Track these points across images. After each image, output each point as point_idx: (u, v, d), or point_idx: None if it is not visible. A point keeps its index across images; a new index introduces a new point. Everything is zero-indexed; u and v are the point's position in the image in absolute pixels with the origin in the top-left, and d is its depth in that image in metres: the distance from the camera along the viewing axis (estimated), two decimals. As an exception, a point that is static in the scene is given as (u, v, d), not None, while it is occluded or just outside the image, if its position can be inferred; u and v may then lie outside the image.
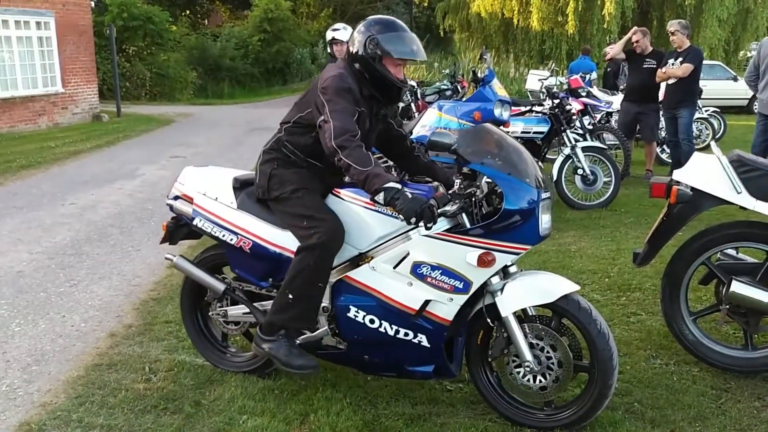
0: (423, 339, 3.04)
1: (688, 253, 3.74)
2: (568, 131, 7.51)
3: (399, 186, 2.82)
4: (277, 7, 29.46)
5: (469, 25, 24.89)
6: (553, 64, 12.87)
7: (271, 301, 3.36)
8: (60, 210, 7.74)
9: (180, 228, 3.74)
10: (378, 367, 3.35)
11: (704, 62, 8.81)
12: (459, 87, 12.75)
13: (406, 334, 3.05)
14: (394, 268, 3.01)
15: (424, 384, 3.54)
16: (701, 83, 9.00)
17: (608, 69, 14.12)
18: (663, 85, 8.70)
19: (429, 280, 2.96)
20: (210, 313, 3.76)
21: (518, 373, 3.08)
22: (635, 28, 9.06)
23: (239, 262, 3.49)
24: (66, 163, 11.18)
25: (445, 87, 12.92)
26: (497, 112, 6.63)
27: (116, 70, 18.73)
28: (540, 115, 7.62)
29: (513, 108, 7.34)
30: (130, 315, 4.66)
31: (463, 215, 2.91)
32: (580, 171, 7.50)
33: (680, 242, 3.84)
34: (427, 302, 2.98)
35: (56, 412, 3.37)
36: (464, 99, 7.27)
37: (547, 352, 3.03)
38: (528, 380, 3.07)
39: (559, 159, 7.54)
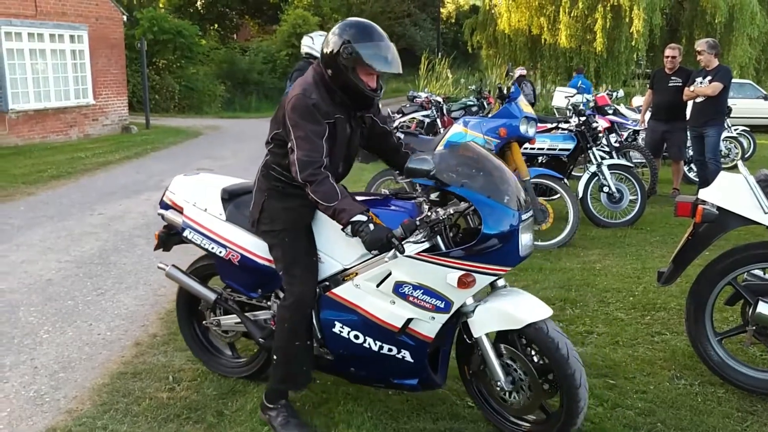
0: (406, 354, 3.07)
1: (714, 273, 3.71)
2: (594, 149, 7.48)
3: (364, 218, 2.84)
4: (305, 21, 29.75)
5: (496, 41, 24.92)
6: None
7: (261, 311, 3.49)
8: (89, 220, 7.87)
9: (172, 236, 3.79)
10: (364, 379, 3.38)
11: (734, 80, 8.77)
12: (485, 103, 12.80)
13: (390, 350, 3.08)
14: (377, 286, 3.02)
15: (445, 399, 3.55)
16: (730, 102, 8.94)
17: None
18: (690, 104, 8.65)
19: (411, 299, 2.96)
20: (204, 322, 3.83)
21: (496, 387, 3.10)
22: (671, 45, 9.05)
23: (229, 274, 3.54)
24: (95, 173, 11.36)
25: (471, 103, 12.98)
26: (523, 128, 6.61)
27: (146, 83, 19.02)
28: (566, 132, 7.60)
29: (539, 125, 7.32)
30: (155, 324, 4.72)
31: (438, 238, 2.90)
32: (606, 189, 7.46)
33: (706, 262, 3.82)
34: (409, 320, 3.00)
35: (81, 418, 3.42)
36: (490, 115, 7.27)
37: (518, 373, 3.05)
38: (504, 395, 3.11)
39: (585, 176, 7.51)
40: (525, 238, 2.91)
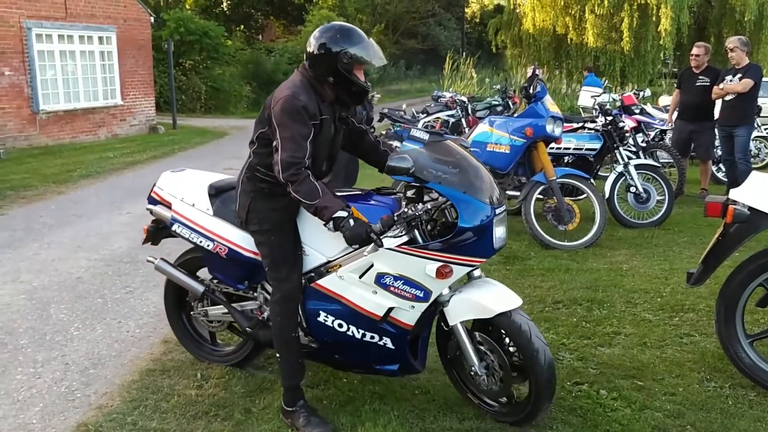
0: (388, 341, 3.22)
1: (745, 274, 3.67)
2: (621, 148, 7.42)
3: (345, 214, 2.99)
4: (330, 22, 29.80)
5: (520, 41, 24.78)
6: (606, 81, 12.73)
7: (248, 302, 3.64)
8: (117, 219, 7.97)
9: (160, 230, 3.92)
10: (348, 365, 3.56)
11: (764, 79, 8.62)
12: (510, 103, 12.75)
13: (372, 337, 3.23)
14: (360, 277, 3.16)
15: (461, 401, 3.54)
16: (760, 101, 8.81)
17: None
18: (718, 103, 8.54)
19: (392, 289, 3.11)
20: (192, 313, 3.98)
21: (471, 371, 3.28)
22: (698, 42, 8.95)
23: (216, 266, 3.65)
24: (123, 173, 11.50)
25: (496, 102, 12.93)
26: (549, 128, 6.60)
27: (173, 84, 19.20)
28: (593, 131, 7.56)
29: (565, 124, 7.29)
30: (183, 322, 4.76)
31: (415, 232, 3.05)
32: (632, 189, 7.40)
33: (736, 263, 3.77)
34: (390, 309, 3.15)
35: (111, 414, 3.47)
36: (516, 115, 7.25)
37: (491, 358, 3.23)
38: (478, 379, 3.27)
39: (612, 176, 7.45)
40: (499, 231, 3.09)
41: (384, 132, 8.45)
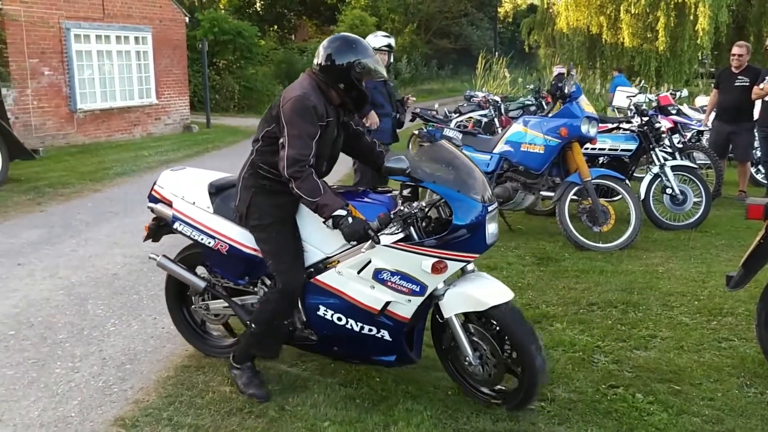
0: (385, 334, 3.36)
1: (787, 277, 3.60)
2: (657, 149, 7.32)
3: (344, 212, 3.14)
4: (362, 22, 29.88)
5: (554, 40, 24.58)
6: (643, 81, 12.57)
7: (248, 296, 3.77)
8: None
9: (161, 228, 4.05)
10: (346, 357, 3.71)
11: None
12: (543, 103, 12.65)
13: (370, 330, 3.37)
14: (358, 273, 3.30)
15: (505, 401, 3.52)
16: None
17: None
18: (758, 103, 8.38)
19: (389, 284, 3.25)
20: (192, 307, 4.09)
21: (465, 361, 3.42)
22: (738, 42, 8.79)
23: (217, 263, 3.78)
24: (158, 171, 11.50)
25: (530, 102, 12.85)
26: (584, 128, 6.53)
27: (207, 83, 19.37)
28: (628, 132, 7.47)
29: (600, 125, 7.21)
30: (218, 319, 4.80)
31: (411, 229, 3.19)
32: (668, 190, 7.29)
33: (778, 266, 3.70)
34: (387, 303, 3.28)
35: (148, 409, 3.51)
36: (550, 115, 7.19)
37: (485, 350, 3.37)
38: (472, 369, 3.41)
39: (648, 178, 7.34)
40: (491, 228, 3.26)
41: (416, 132, 8.45)
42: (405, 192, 3.37)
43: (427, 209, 3.30)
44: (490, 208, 3.23)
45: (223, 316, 4.05)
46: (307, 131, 3.22)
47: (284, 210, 3.44)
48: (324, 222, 3.20)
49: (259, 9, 38.23)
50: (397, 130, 6.90)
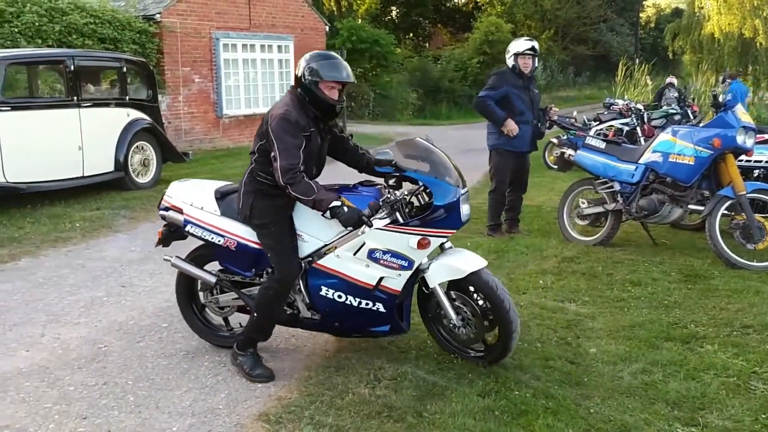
0: (380, 306, 3.88)
1: None
2: (821, 162, 6.76)
3: (339, 203, 3.66)
4: (498, 29, 29.57)
5: (701, 46, 23.41)
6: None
7: (254, 287, 4.16)
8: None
9: (172, 233, 4.45)
10: (346, 331, 4.21)
11: None
12: (690, 112, 12.02)
13: (367, 304, 3.88)
14: (354, 254, 3.82)
15: (650, 423, 3.35)
16: None
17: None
18: None
19: (382, 261, 3.79)
20: (203, 301, 4.50)
21: (449, 325, 4.02)
22: None
23: (226, 258, 4.20)
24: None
25: (674, 111, 12.24)
26: (740, 139, 6.12)
27: (344, 91, 19.80)
28: (789, 144, 6.95)
29: (758, 135, 6.75)
30: (355, 322, 4.87)
31: (397, 213, 3.73)
32: (835, 205, 6.70)
33: None
34: (381, 278, 3.81)
35: (290, 407, 3.62)
36: (701, 124, 6.80)
37: (466, 313, 3.96)
38: (456, 330, 4.03)
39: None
40: (464, 208, 3.83)
41: (554, 140, 8.24)
42: (391, 182, 3.95)
43: (409, 196, 3.89)
44: (462, 191, 3.80)
45: (229, 309, 4.44)
46: (294, 143, 3.70)
47: (281, 210, 3.92)
48: (323, 214, 3.70)
49: (394, 17, 38.80)
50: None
